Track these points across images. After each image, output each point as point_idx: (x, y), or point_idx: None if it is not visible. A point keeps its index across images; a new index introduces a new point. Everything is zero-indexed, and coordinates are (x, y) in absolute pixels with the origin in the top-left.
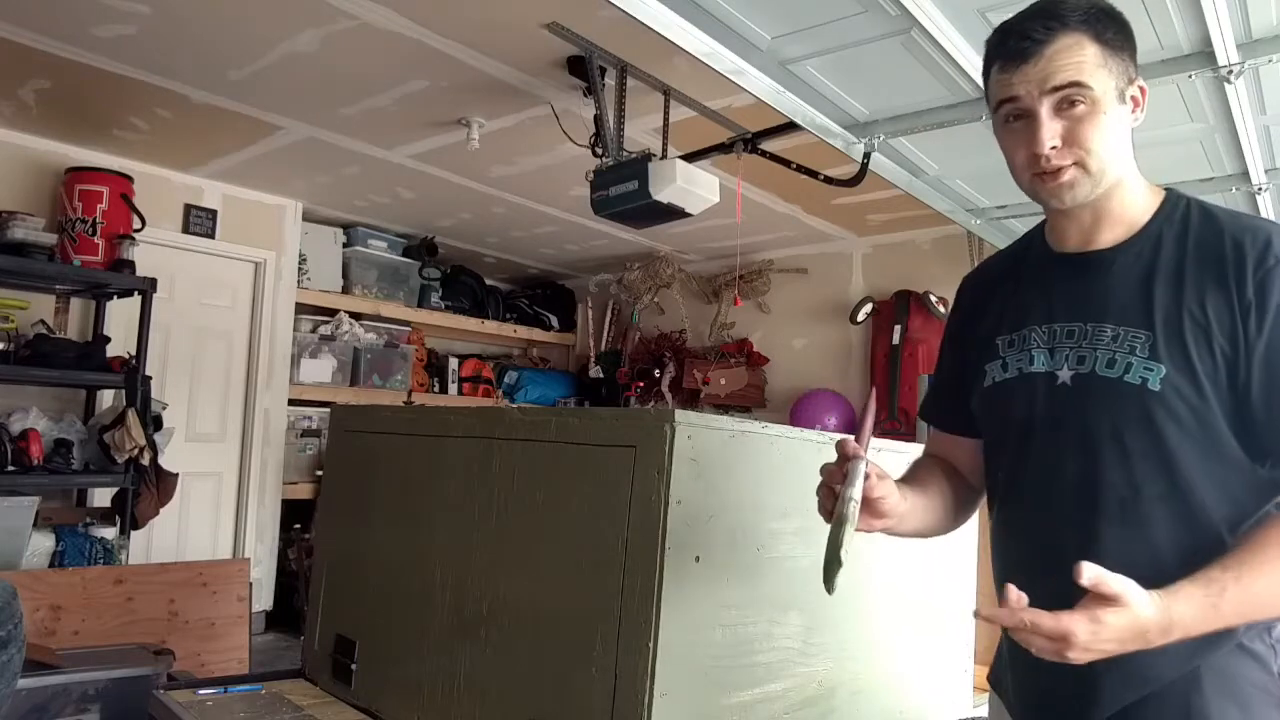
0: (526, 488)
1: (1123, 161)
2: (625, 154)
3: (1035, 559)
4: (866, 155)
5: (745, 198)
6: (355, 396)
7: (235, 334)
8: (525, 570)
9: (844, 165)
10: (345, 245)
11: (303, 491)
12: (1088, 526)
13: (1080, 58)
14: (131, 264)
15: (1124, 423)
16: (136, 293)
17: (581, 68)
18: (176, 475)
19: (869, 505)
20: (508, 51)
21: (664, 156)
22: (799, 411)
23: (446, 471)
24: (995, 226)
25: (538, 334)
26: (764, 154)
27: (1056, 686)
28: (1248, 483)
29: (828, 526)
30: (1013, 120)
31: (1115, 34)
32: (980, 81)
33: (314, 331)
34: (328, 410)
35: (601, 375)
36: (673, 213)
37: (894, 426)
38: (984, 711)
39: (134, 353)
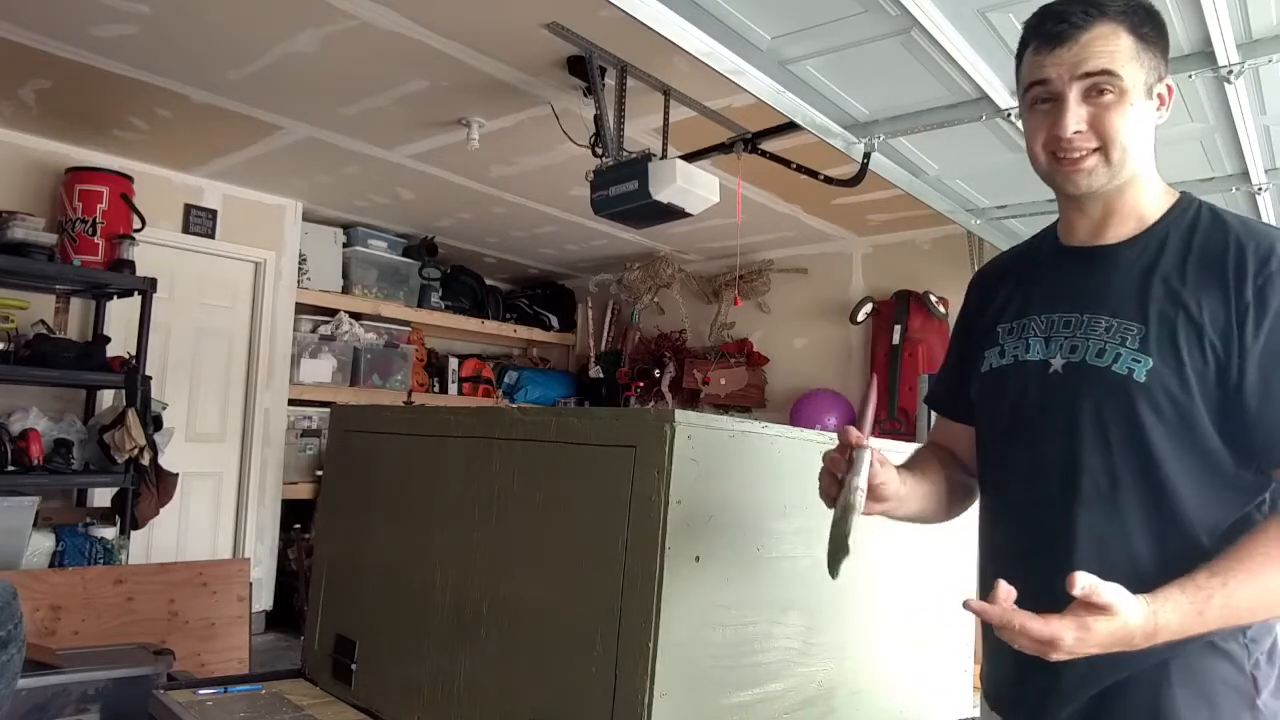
0: (526, 488)
1: (1142, 157)
2: (625, 154)
3: (1016, 543)
4: (866, 155)
5: (745, 198)
6: (355, 396)
7: (235, 334)
8: (525, 570)
9: (844, 165)
10: (345, 245)
11: (303, 491)
12: (1066, 511)
13: (1114, 47)
14: (131, 264)
15: (1107, 411)
16: (136, 293)
17: (581, 68)
18: (176, 475)
19: (869, 490)
20: (508, 51)
21: (664, 156)
22: (799, 411)
23: (446, 471)
24: (995, 226)
25: (538, 334)
26: (764, 154)
27: (1023, 677)
28: (1225, 482)
29: (829, 521)
30: (1040, 103)
31: (1151, 29)
32: (977, 82)
33: (314, 331)
34: (328, 410)
35: (601, 375)
36: (673, 213)
37: (894, 426)
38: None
39: (134, 353)
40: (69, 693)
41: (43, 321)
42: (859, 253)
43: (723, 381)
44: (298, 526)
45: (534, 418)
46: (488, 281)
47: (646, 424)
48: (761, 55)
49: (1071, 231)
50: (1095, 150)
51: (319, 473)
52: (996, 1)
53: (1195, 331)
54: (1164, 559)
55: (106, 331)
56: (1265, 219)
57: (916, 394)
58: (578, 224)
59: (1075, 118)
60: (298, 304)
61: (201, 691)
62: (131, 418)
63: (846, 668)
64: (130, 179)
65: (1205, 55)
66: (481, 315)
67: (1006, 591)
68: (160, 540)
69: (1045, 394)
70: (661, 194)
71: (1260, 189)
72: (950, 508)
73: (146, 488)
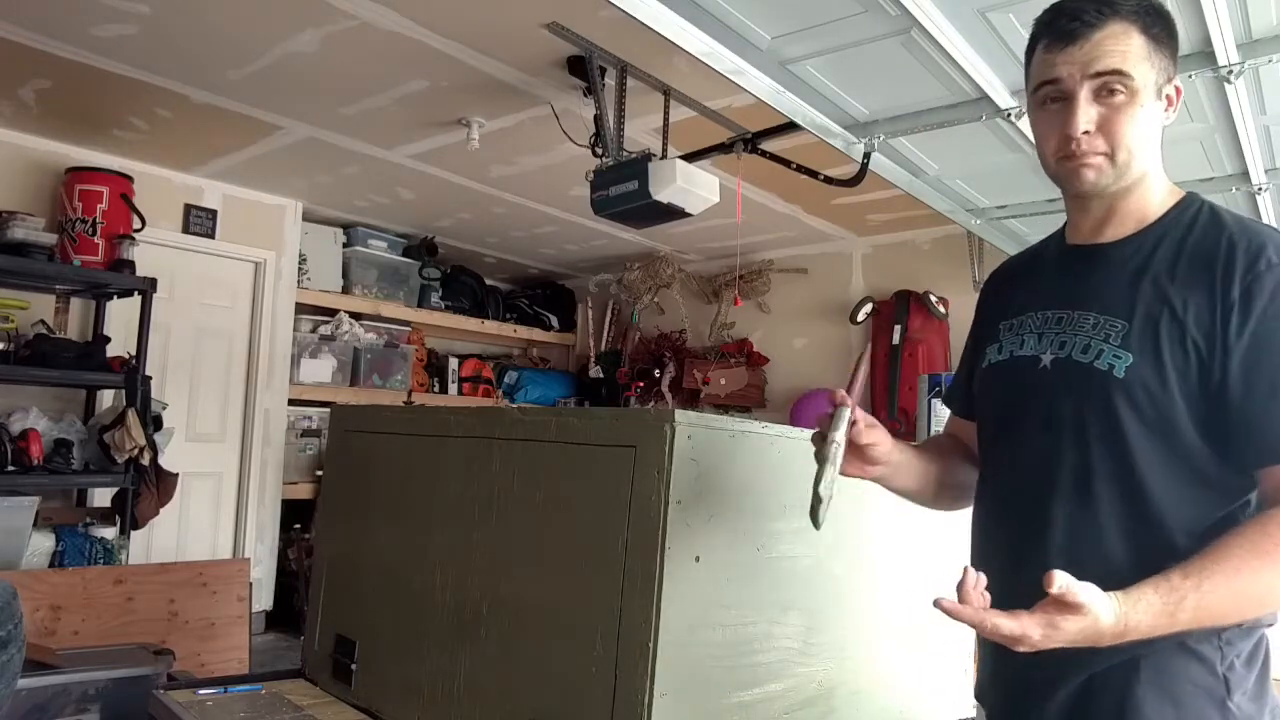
0: (526, 488)
1: (1149, 158)
2: (625, 154)
3: (1000, 534)
4: (866, 155)
5: (745, 198)
6: (355, 396)
7: (235, 334)
8: (525, 570)
9: (844, 165)
10: (345, 245)
11: (303, 491)
12: (1043, 504)
13: (1126, 46)
14: (131, 264)
15: (1087, 405)
16: (136, 293)
17: (581, 68)
18: (176, 475)
19: (860, 451)
20: (508, 51)
21: (664, 156)
22: (799, 411)
23: (446, 472)
24: (995, 226)
25: (538, 334)
26: (764, 154)
27: (998, 671)
28: (1205, 480)
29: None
30: (1050, 103)
31: (1162, 30)
32: (978, 82)
33: (314, 331)
34: (328, 410)
35: (601, 375)
36: (673, 213)
37: (894, 426)
38: None
39: (134, 353)
40: (69, 693)
41: (43, 321)
42: (859, 253)
43: (723, 381)
44: (298, 526)
45: (534, 418)
46: (488, 281)
47: (646, 424)
48: (761, 55)
49: (1075, 230)
50: (1103, 154)
51: (319, 473)
52: (996, 1)
53: (1178, 329)
54: (1138, 554)
55: (106, 331)
56: (1265, 219)
57: (916, 394)
58: (578, 224)
59: (1085, 117)
60: (298, 304)
61: (201, 691)
62: (131, 418)
63: (846, 668)
64: (130, 179)
65: (1205, 55)
66: (481, 315)
67: (974, 580)
68: (160, 540)
69: (1034, 389)
70: (661, 194)
71: (1260, 189)
72: (951, 488)
73: (146, 488)
